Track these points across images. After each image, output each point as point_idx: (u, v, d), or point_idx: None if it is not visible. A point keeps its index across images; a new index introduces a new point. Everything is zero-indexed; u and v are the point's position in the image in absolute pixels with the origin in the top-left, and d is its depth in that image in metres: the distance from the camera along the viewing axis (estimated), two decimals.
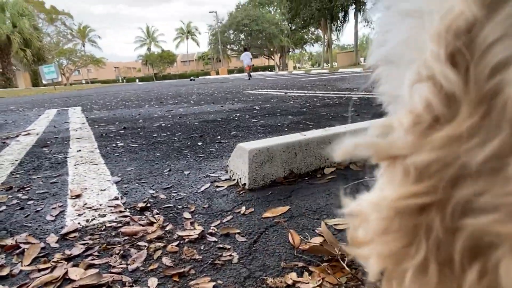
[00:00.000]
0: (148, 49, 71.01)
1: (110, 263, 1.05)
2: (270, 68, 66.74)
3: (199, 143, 2.85)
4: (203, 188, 1.70)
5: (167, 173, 2.05)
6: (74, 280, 0.95)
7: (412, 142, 0.18)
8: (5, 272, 1.04)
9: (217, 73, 47.37)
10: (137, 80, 58.73)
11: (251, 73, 20.13)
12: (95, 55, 58.56)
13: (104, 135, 3.64)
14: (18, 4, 34.16)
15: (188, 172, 2.03)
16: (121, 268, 1.03)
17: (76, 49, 57.16)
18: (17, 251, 1.16)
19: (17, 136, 3.96)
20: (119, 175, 2.08)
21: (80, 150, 2.91)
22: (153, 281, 0.95)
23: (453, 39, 0.16)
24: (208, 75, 52.37)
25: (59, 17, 50.37)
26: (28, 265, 1.06)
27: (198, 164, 2.20)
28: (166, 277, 0.98)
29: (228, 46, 56.33)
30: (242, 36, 55.64)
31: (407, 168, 0.18)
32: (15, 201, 1.71)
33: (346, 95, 6.07)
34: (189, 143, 2.90)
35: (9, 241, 1.22)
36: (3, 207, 1.63)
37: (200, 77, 46.41)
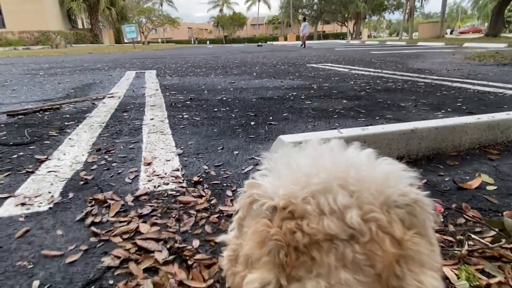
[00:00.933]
0: (220, 10, 71.65)
1: (168, 224, 1.42)
2: (342, 35, 63.29)
3: (252, 123, 3.14)
4: (246, 170, 2.01)
5: (220, 150, 2.39)
6: (143, 233, 1.34)
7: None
8: (98, 219, 1.47)
9: (285, 39, 46.32)
10: (207, 42, 60.09)
11: (306, 42, 23.25)
12: (171, 14, 60.96)
13: (173, 104, 4.11)
14: None
15: (237, 152, 2.35)
16: (175, 229, 1.39)
17: (155, 8, 59.94)
18: (105, 205, 1.59)
19: (103, 98, 4.64)
20: (182, 147, 2.47)
21: (153, 119, 3.40)
22: (196, 242, 1.29)
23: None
24: (276, 40, 51.55)
25: None
26: (112, 217, 1.48)
27: (247, 145, 2.50)
28: (205, 241, 1.32)
29: (300, 11, 54.31)
30: (315, 0, 53.04)
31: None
32: (103, 162, 2.19)
33: (414, 79, 5.81)
34: (243, 121, 3.21)
35: (100, 196, 1.66)
36: (95, 166, 2.12)
37: (268, 42, 46.01)
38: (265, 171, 0.46)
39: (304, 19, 24.63)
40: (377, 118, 3.22)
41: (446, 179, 1.81)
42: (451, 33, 53.37)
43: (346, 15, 53.62)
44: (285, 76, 6.83)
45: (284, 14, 56.71)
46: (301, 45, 22.72)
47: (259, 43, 34.36)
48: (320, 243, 0.36)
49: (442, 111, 3.41)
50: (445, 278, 1.05)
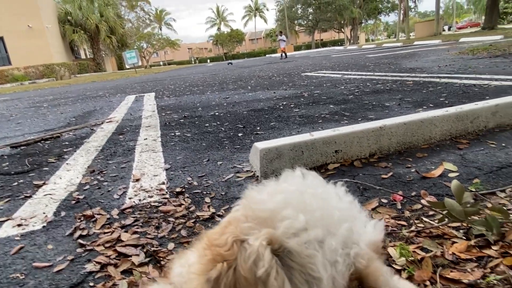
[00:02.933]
0: (218, 29, 73.17)
1: (147, 232, 1.55)
2: (340, 42, 63.83)
3: (240, 134, 3.27)
4: (226, 178, 2.13)
5: (205, 162, 2.52)
6: (123, 241, 1.46)
7: None
8: (85, 232, 1.60)
9: None
10: (208, 61, 61.12)
11: (286, 54, 24.76)
12: (170, 37, 62.40)
13: (167, 124, 4.28)
14: None
15: (221, 162, 2.47)
16: (154, 235, 1.51)
17: (154, 32, 61.43)
18: (93, 219, 1.73)
19: (102, 123, 4.84)
20: (170, 163, 2.61)
21: (146, 139, 3.56)
22: (171, 245, 1.41)
23: None
24: (274, 52, 52.20)
25: (138, 3, 54.39)
26: (98, 229, 1.61)
27: (231, 155, 2.63)
28: (180, 243, 1.43)
29: (296, 22, 55.13)
30: (310, 10, 53.81)
31: None
32: (95, 182, 2.34)
33: (404, 78, 5.92)
34: (231, 133, 3.35)
35: (89, 212, 1.80)
36: (88, 186, 2.27)
37: (266, 55, 46.65)
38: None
39: (281, 32, 25.34)
40: (360, 119, 3.33)
41: (412, 170, 1.91)
42: (449, 29, 53.24)
43: (342, 22, 54.19)
44: (278, 86, 6.99)
45: (280, 27, 57.59)
46: (281, 57, 23.50)
47: (229, 61, 33.63)
48: None
49: (424, 107, 3.51)
50: (389, 256, 1.15)
